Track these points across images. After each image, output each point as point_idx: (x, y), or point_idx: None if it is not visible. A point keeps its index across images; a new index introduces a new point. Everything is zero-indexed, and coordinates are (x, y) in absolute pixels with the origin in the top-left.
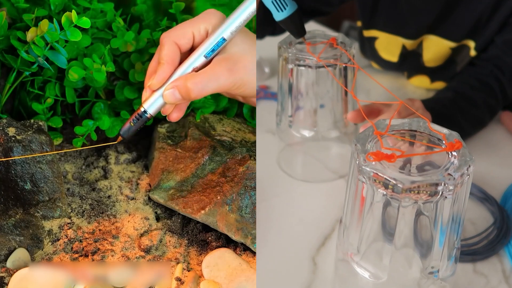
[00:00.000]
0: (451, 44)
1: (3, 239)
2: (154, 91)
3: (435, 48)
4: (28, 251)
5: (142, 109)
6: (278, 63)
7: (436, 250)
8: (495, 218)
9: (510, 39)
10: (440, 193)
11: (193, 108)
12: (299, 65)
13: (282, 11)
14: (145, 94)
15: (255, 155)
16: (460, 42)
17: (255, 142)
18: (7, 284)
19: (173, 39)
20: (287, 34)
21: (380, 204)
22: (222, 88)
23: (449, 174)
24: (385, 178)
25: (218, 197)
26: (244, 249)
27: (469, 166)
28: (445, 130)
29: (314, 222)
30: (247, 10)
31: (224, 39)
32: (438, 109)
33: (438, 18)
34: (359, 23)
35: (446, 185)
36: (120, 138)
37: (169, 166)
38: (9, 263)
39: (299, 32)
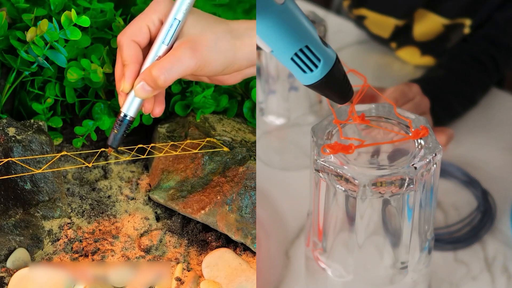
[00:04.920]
0: (445, 21)
1: (3, 239)
2: (127, 93)
3: (427, 23)
4: (28, 251)
5: (122, 114)
6: None
7: (406, 241)
8: (478, 203)
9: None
10: (406, 185)
11: (193, 108)
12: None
13: (311, 71)
14: (121, 99)
15: (255, 155)
16: (455, 20)
17: (255, 142)
18: (7, 284)
19: (130, 38)
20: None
21: (342, 196)
22: (187, 70)
23: (413, 165)
24: (343, 174)
25: (218, 197)
26: (244, 249)
27: (435, 155)
28: (411, 116)
29: (291, 213)
30: None
31: (178, 21)
32: (429, 89)
33: None
34: (346, 2)
35: (411, 175)
36: (110, 149)
37: (169, 166)
38: (9, 263)
39: (344, 94)
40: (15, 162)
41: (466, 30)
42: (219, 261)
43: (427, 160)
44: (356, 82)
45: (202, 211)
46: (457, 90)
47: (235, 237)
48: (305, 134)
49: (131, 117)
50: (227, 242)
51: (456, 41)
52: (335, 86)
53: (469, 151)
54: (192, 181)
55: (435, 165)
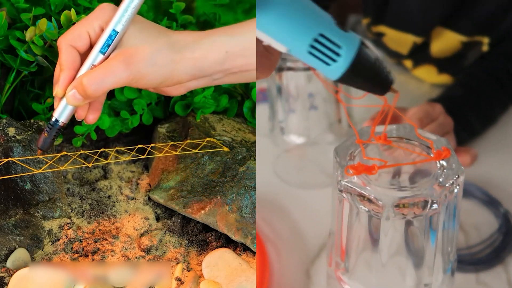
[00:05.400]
0: (463, 39)
1: (3, 239)
2: (61, 98)
3: (444, 40)
4: (28, 251)
5: (53, 119)
6: None
7: (429, 263)
8: (500, 223)
9: None
10: (429, 206)
11: (193, 108)
12: (287, 69)
13: (335, 61)
14: (55, 103)
15: (255, 155)
16: (473, 37)
17: (255, 142)
18: (7, 284)
19: (69, 43)
20: None
21: (365, 215)
22: (120, 82)
23: (437, 185)
24: (366, 195)
25: (218, 197)
26: (244, 249)
27: (458, 176)
28: (433, 137)
29: (310, 231)
30: None
31: (116, 32)
32: (450, 108)
33: (449, 12)
34: (365, 21)
35: (435, 197)
36: (39, 152)
37: (169, 166)
38: (9, 263)
39: (381, 80)
40: (15, 162)
41: (484, 48)
42: (219, 261)
43: (450, 182)
44: (375, 103)
45: (202, 211)
46: (475, 109)
47: (235, 237)
48: (324, 153)
49: (62, 122)
50: (227, 242)
51: (473, 59)
52: (367, 73)
53: (489, 170)
54: (192, 181)
55: (458, 187)
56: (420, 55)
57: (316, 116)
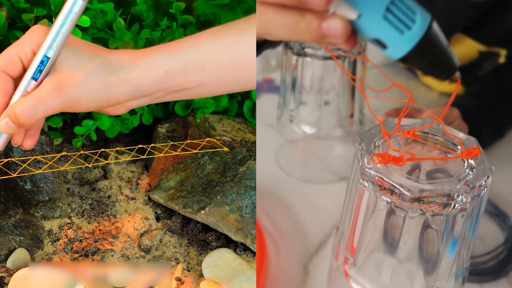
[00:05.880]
0: (481, 47)
1: (3, 239)
2: None
3: (462, 48)
4: (28, 251)
5: None
6: (283, 54)
7: (443, 268)
8: (505, 237)
9: None
10: (453, 206)
11: (193, 108)
12: (305, 55)
13: (409, 29)
14: None
15: (255, 155)
16: (491, 48)
17: (255, 142)
18: (7, 284)
19: (1, 68)
20: None
21: (383, 212)
22: (52, 109)
23: (464, 184)
24: (391, 184)
25: (218, 197)
26: (244, 249)
27: (487, 177)
28: (461, 135)
29: (310, 226)
30: (66, 22)
31: (47, 57)
32: (464, 117)
33: (473, 20)
34: None
35: (461, 197)
36: None
37: (169, 166)
38: (9, 263)
39: (449, 61)
40: (15, 162)
41: (501, 60)
42: (219, 261)
43: (479, 183)
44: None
45: (202, 211)
46: (487, 121)
47: (235, 237)
48: (329, 149)
49: None
50: (227, 242)
51: (488, 70)
52: (437, 50)
53: (500, 183)
54: (192, 181)
55: (485, 189)
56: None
57: (327, 110)
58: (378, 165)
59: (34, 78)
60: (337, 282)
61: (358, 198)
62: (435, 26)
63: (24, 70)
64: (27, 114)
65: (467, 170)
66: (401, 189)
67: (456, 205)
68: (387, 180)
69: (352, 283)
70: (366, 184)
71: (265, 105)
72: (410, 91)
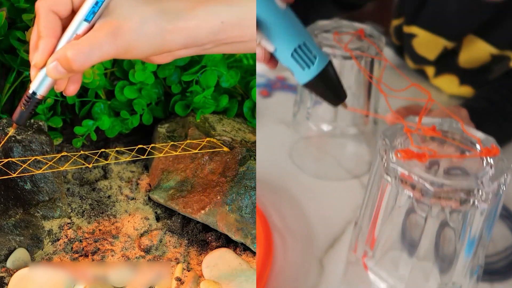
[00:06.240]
0: (493, 50)
1: (3, 239)
2: (40, 68)
3: (475, 50)
4: (28, 251)
5: (30, 91)
6: None
7: (459, 266)
8: None
9: None
10: (472, 202)
11: (193, 108)
12: None
13: (308, 67)
14: (32, 72)
15: (255, 155)
16: (503, 51)
17: (255, 142)
18: (7, 284)
19: (49, 7)
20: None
21: (403, 210)
22: (107, 56)
23: (485, 181)
24: (414, 179)
25: (218, 197)
26: (244, 249)
27: (507, 176)
28: (480, 134)
29: (323, 222)
30: None
31: None
32: (473, 118)
33: (487, 22)
34: (395, 22)
35: (480, 193)
36: (15, 126)
37: (169, 166)
38: (9, 263)
39: (338, 94)
40: (15, 162)
41: None
42: (219, 261)
43: (498, 181)
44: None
45: (202, 211)
46: (495, 125)
47: (235, 237)
48: (342, 147)
49: (40, 95)
50: (227, 242)
51: (498, 73)
52: (330, 83)
53: (509, 185)
54: (192, 181)
55: (504, 187)
56: (445, 62)
57: (342, 108)
58: (402, 161)
59: (86, 20)
60: (355, 274)
61: (380, 193)
62: (330, 67)
63: (73, 11)
64: (81, 59)
65: (486, 168)
66: (424, 182)
67: (476, 201)
68: (411, 175)
69: (371, 275)
70: (389, 179)
71: (278, 103)
72: (428, 91)
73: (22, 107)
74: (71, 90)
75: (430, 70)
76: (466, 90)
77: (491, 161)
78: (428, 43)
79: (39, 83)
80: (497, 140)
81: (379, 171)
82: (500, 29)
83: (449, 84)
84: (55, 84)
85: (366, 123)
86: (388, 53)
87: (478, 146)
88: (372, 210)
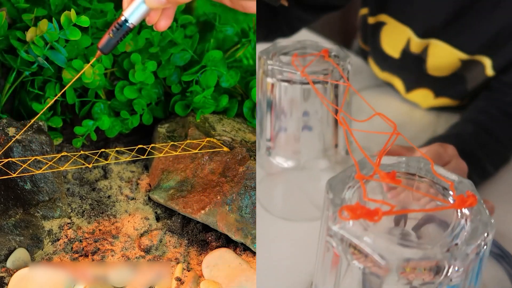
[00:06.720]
0: (462, 55)
1: (3, 239)
2: None
3: (442, 55)
4: (28, 251)
5: (122, 18)
6: (257, 76)
7: None
8: None
9: None
10: (444, 274)
11: (193, 108)
12: (281, 80)
13: None
14: (125, 0)
15: (255, 155)
16: (473, 56)
17: (255, 142)
18: (7, 284)
19: None
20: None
21: (357, 276)
22: None
23: (456, 244)
24: (364, 250)
25: (218, 197)
26: (244, 249)
27: (487, 234)
28: (453, 177)
29: (290, 272)
30: None
31: None
32: (459, 147)
33: (449, 22)
34: (363, 11)
35: (453, 265)
36: (99, 53)
37: (169, 166)
38: (9, 263)
39: None
40: (15, 162)
41: (489, 72)
42: (219, 261)
43: (477, 241)
44: (378, 129)
45: (202, 211)
46: (487, 147)
47: (235, 237)
48: (314, 180)
49: (132, 24)
50: (227, 242)
51: (475, 83)
52: None
53: (503, 220)
54: (192, 181)
55: (485, 247)
56: (414, 74)
57: (310, 138)
58: (349, 222)
59: None
60: None
61: (326, 255)
62: None
63: None
64: None
65: (461, 223)
66: (375, 256)
67: (449, 273)
68: (359, 245)
69: None
70: (334, 243)
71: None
72: (394, 122)
73: (111, 35)
74: (163, 24)
75: (398, 84)
76: (443, 101)
77: (466, 212)
78: (394, 33)
79: (132, 11)
80: (493, 165)
81: (323, 231)
82: (463, 31)
83: (424, 98)
84: (147, 16)
85: (338, 153)
86: (357, 61)
87: (451, 192)
88: (325, 273)
